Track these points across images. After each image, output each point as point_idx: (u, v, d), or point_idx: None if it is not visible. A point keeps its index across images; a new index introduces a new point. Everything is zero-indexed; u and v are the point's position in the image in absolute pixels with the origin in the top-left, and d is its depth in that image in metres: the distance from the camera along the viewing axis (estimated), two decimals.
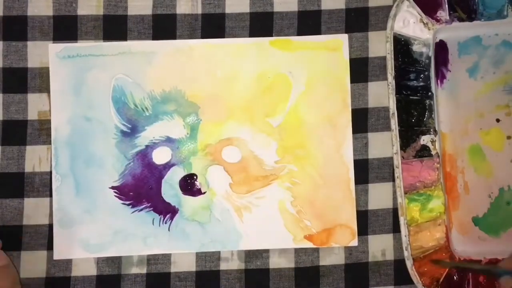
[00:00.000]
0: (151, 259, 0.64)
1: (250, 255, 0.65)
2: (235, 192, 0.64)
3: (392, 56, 0.63)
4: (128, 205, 0.64)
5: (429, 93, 0.64)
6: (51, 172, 0.64)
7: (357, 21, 0.66)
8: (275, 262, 0.65)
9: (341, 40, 0.65)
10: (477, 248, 0.64)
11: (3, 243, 0.60)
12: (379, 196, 0.66)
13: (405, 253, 0.63)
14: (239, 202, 0.64)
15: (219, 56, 0.65)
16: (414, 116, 0.64)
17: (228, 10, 0.66)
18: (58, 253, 0.63)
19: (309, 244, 0.64)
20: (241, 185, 0.64)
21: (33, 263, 0.63)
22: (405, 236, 0.63)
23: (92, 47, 0.64)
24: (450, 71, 0.66)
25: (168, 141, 0.64)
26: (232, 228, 0.64)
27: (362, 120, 0.66)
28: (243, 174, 0.64)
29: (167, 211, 0.64)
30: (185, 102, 0.64)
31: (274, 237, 0.64)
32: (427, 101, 0.64)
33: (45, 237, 0.63)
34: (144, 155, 0.64)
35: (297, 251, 0.65)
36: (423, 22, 0.64)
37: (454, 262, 0.63)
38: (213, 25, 0.65)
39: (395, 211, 0.65)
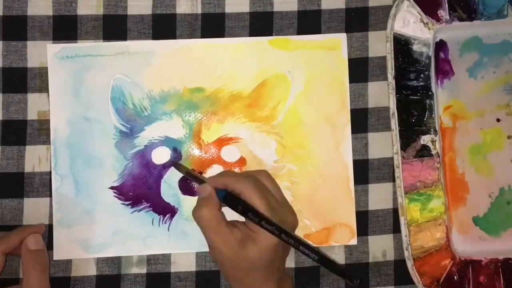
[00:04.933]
0: (151, 259, 0.64)
1: None
2: None
3: (392, 56, 0.63)
4: (128, 205, 0.64)
5: (429, 93, 0.64)
6: (50, 172, 0.64)
7: (357, 21, 0.66)
8: None
9: (340, 39, 0.65)
10: (477, 248, 0.64)
11: None
12: (379, 196, 0.66)
13: (406, 253, 0.63)
14: None
15: (218, 55, 0.65)
16: (414, 116, 0.64)
17: (228, 9, 0.65)
18: (58, 253, 0.63)
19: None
20: None
21: None
22: (406, 236, 0.63)
23: (91, 48, 0.64)
24: (450, 70, 0.66)
25: (167, 141, 0.64)
26: None
27: (362, 120, 0.66)
28: None
29: (166, 211, 0.64)
30: (184, 102, 0.64)
31: None
32: (427, 101, 0.64)
33: (45, 237, 0.63)
34: (143, 155, 0.64)
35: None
36: (423, 22, 0.64)
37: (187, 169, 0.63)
38: (213, 25, 0.65)
39: (395, 211, 0.65)
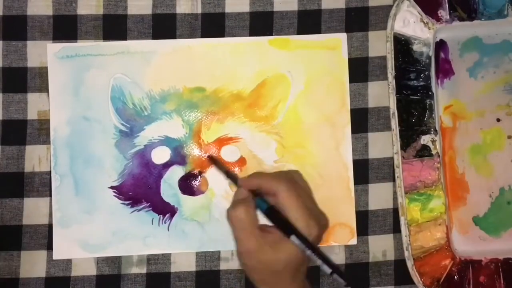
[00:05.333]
0: (151, 259, 0.64)
1: None
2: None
3: (393, 56, 0.63)
4: (128, 205, 0.64)
5: (430, 93, 0.64)
6: (50, 172, 0.64)
7: (357, 21, 0.66)
8: None
9: (340, 39, 0.65)
10: (477, 248, 0.64)
11: (2, 243, 0.60)
12: (379, 196, 0.66)
13: (406, 253, 0.63)
14: None
15: (218, 55, 0.65)
16: (415, 115, 0.64)
17: (228, 9, 0.65)
18: (58, 253, 0.63)
19: None
20: None
21: (33, 263, 0.63)
22: (406, 236, 0.63)
23: (91, 47, 0.64)
24: (450, 70, 0.65)
25: (167, 140, 0.64)
26: None
27: (362, 120, 0.66)
28: (242, 173, 0.64)
29: (166, 210, 0.64)
30: (184, 102, 0.64)
31: None
32: (428, 101, 0.64)
33: (44, 237, 0.63)
34: (143, 155, 0.64)
35: None
36: (423, 22, 0.64)
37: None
38: (213, 25, 0.65)
39: (395, 211, 0.65)
